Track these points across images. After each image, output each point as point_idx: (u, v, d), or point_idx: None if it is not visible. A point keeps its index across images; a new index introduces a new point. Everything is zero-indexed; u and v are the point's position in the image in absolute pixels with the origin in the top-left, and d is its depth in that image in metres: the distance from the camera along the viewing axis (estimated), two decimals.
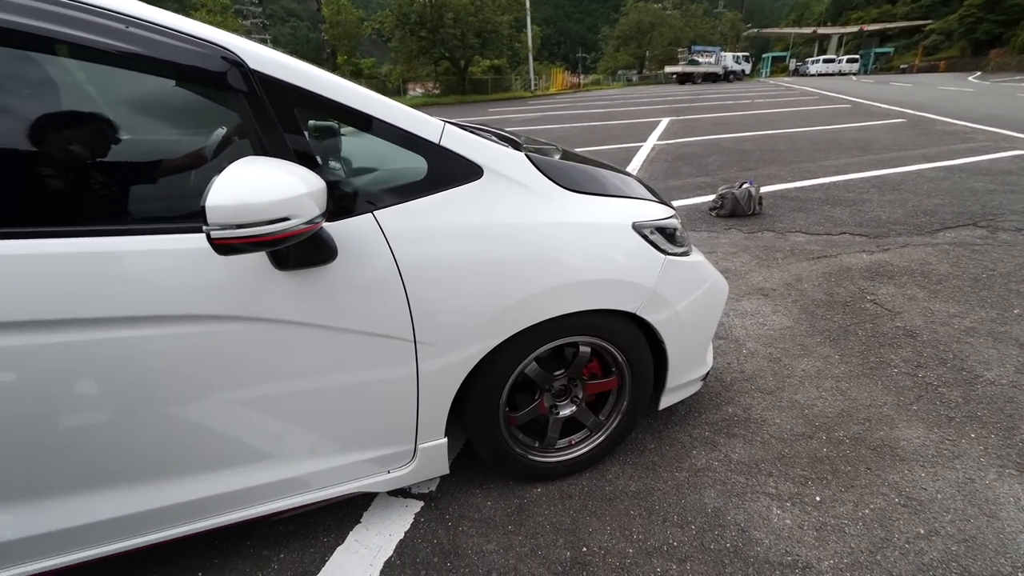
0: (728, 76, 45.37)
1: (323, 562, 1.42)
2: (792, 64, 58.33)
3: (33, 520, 1.11)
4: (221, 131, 1.38)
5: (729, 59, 47.06)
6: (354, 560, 1.42)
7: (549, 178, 1.38)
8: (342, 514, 1.56)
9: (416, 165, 1.23)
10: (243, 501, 1.29)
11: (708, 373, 1.85)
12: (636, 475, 1.69)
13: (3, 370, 0.99)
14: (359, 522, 1.54)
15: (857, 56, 51.49)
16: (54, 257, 0.98)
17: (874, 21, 63.19)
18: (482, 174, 1.28)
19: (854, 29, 62.77)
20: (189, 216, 1.04)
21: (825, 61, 50.91)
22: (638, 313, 1.49)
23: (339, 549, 1.46)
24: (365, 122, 1.18)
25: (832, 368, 2.22)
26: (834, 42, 63.70)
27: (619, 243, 1.44)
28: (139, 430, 1.14)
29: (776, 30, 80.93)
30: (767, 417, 1.93)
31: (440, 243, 1.24)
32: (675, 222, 1.59)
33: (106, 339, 1.03)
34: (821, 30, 67.14)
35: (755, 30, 76.81)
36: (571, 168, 1.51)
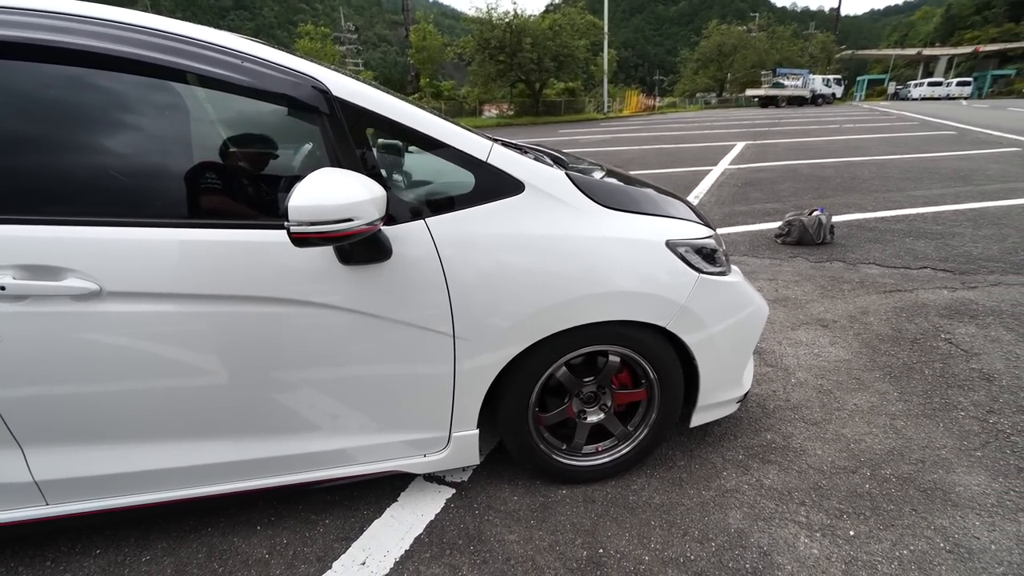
0: (816, 100, 42.96)
1: (361, 531, 1.58)
2: (891, 87, 54.20)
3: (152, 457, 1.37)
4: (308, 146, 1.62)
5: (818, 82, 44.58)
6: (388, 533, 1.57)
7: (586, 195, 1.49)
8: (381, 492, 1.72)
9: (465, 179, 1.39)
10: (298, 466, 1.49)
11: (745, 396, 1.84)
12: (661, 488, 1.71)
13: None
14: (396, 501, 1.69)
15: (969, 79, 46.94)
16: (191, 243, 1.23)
17: (992, 41, 57.45)
18: (523, 189, 1.41)
19: (967, 50, 57.47)
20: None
21: (931, 84, 46.93)
22: (669, 328, 1.55)
23: (376, 522, 1.61)
24: (423, 141, 1.36)
25: (888, 405, 2.11)
26: (942, 64, 58.56)
27: (650, 259, 1.51)
28: (232, 392, 1.36)
29: (874, 52, 75.67)
30: (808, 447, 1.88)
31: (481, 250, 1.38)
32: (712, 242, 1.63)
33: (213, 312, 1.27)
34: (927, 51, 62.04)
35: (849, 52, 72.29)
36: (610, 186, 1.61)
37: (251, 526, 1.60)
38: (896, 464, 1.78)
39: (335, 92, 1.27)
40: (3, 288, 1.13)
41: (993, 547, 1.45)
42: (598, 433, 1.74)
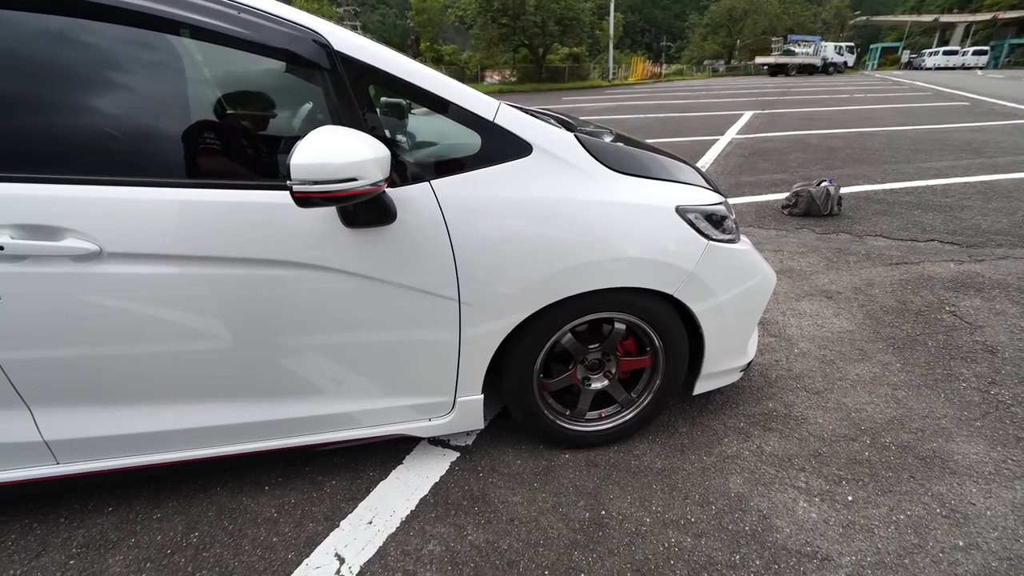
0: (827, 68, 41.78)
1: (368, 492, 1.60)
2: (905, 56, 52.63)
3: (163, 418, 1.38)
4: (308, 105, 1.57)
5: (830, 49, 43.31)
6: (394, 494, 1.59)
7: (596, 158, 1.45)
8: (387, 455, 1.74)
9: (471, 141, 1.35)
10: (304, 428, 1.50)
11: (749, 364, 1.84)
12: (664, 454, 1.74)
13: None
14: (401, 463, 1.71)
15: (986, 48, 45.56)
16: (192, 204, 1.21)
17: (1013, 7, 55.35)
18: (531, 151, 1.37)
19: (986, 17, 55.44)
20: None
21: (946, 53, 45.57)
22: (676, 295, 1.53)
23: (382, 483, 1.64)
24: (428, 99, 1.31)
25: (891, 376, 2.11)
26: (959, 31, 56.67)
27: (659, 224, 1.48)
28: (235, 355, 1.35)
29: (889, 18, 73.08)
30: (809, 416, 1.89)
31: (487, 213, 1.35)
32: (722, 209, 1.60)
33: (215, 274, 1.25)
34: (944, 17, 59.91)
35: (864, 18, 69.85)
36: (620, 150, 1.57)
37: (259, 486, 1.63)
38: (896, 433, 1.79)
39: (337, 47, 1.22)
40: (1, 248, 1.11)
41: (988, 513, 1.47)
42: (602, 399, 1.75)
